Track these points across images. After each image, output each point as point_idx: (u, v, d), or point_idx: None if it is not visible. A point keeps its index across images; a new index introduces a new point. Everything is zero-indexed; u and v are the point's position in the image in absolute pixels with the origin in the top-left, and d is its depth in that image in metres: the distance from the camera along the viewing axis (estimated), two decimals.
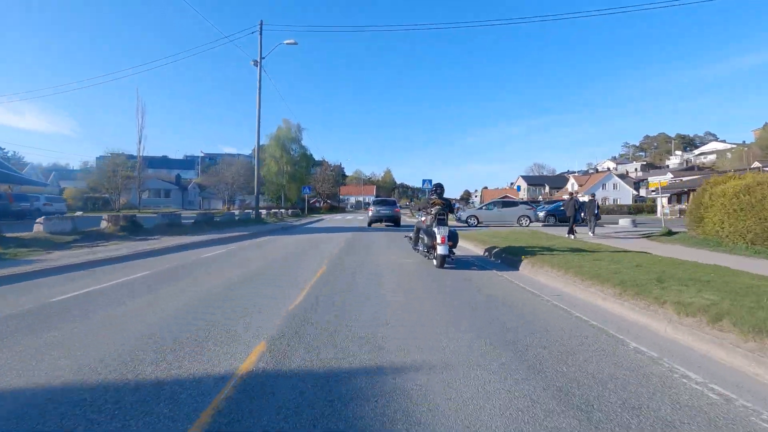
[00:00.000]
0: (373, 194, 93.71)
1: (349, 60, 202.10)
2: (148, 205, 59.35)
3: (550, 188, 77.11)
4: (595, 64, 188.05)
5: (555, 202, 28.73)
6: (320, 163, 66.19)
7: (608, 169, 77.98)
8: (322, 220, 31.56)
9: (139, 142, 44.50)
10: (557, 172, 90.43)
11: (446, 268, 7.33)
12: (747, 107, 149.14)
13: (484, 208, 23.56)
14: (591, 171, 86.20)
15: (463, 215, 22.39)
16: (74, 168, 58.86)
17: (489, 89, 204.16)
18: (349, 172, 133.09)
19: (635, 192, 58.34)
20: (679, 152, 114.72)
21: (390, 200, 24.20)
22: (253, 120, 22.71)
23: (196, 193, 61.34)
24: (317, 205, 61.99)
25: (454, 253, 7.68)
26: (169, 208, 56.97)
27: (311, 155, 55.53)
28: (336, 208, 61.58)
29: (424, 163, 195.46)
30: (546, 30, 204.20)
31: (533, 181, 79.24)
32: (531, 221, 21.33)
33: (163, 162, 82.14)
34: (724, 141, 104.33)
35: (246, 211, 27.69)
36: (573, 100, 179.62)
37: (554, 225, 21.74)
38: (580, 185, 62.21)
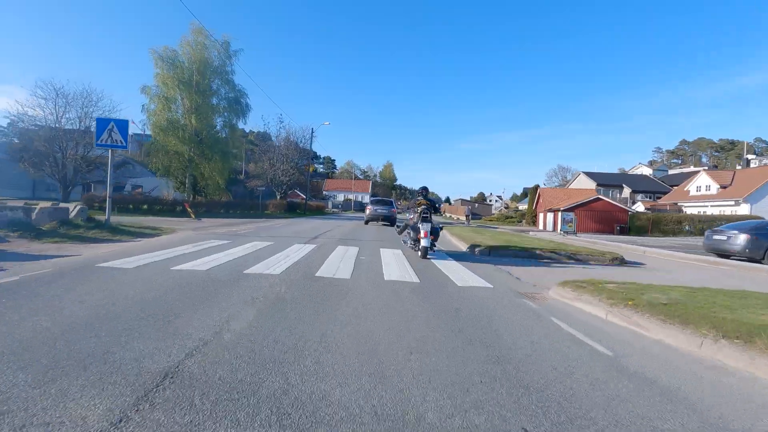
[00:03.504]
0: (368, 191, 75.72)
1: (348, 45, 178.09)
2: None
3: (633, 192, 51.52)
4: (622, 74, 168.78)
5: None
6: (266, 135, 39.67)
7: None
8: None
9: None
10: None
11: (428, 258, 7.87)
12: None
13: None
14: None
15: None
16: None
17: (511, 94, 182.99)
18: (340, 163, 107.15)
19: None
20: (752, 156, 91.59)
21: (388, 200, 23.14)
22: None
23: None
24: (266, 199, 35.29)
25: (435, 245, 8.36)
26: None
27: (249, 104, 28.69)
28: (299, 206, 34.65)
29: (425, 165, 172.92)
30: (568, 39, 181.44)
31: (604, 181, 53.32)
32: None
33: None
34: None
35: None
36: (592, 109, 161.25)
37: None
38: (723, 187, 36.34)
